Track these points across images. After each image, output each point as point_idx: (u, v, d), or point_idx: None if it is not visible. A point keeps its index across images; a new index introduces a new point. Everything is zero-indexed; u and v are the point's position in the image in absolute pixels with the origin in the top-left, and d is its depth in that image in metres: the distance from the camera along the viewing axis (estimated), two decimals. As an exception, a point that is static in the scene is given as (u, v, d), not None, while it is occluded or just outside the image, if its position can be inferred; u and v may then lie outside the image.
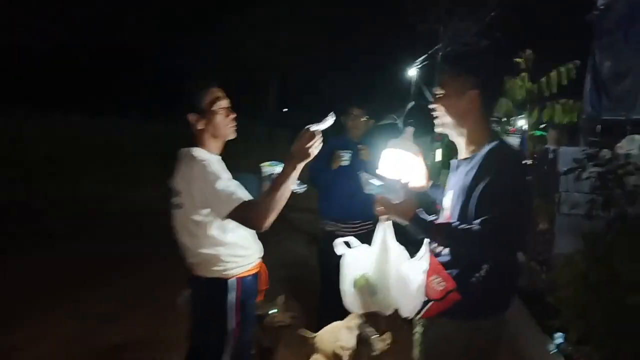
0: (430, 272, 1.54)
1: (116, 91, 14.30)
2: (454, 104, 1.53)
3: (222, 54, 14.29)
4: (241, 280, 1.81)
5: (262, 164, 1.91)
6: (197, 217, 1.69)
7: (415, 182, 1.74)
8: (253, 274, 1.87)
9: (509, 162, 1.46)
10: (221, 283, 1.77)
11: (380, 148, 3.10)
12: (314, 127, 1.61)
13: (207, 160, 1.71)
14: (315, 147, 1.60)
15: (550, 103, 3.33)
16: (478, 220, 1.38)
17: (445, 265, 1.51)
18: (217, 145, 1.83)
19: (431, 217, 1.50)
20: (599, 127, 5.01)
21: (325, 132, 1.69)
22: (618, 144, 4.43)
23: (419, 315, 1.59)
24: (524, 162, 1.55)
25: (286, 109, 25.31)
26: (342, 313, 3.08)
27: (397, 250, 1.73)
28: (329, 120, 1.65)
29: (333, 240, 3.02)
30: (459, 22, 12.17)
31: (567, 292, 2.06)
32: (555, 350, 2.46)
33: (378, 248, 1.79)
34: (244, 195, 1.66)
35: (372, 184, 1.58)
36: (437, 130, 1.65)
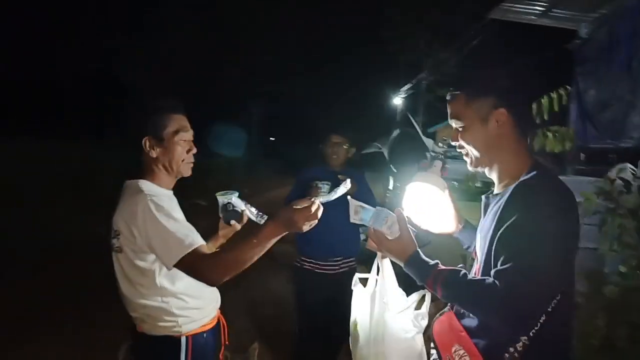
0: (450, 339, 1.22)
1: (94, 115, 14.06)
2: (480, 133, 1.22)
3: (204, 79, 14.19)
4: (195, 337, 1.51)
5: (216, 194, 1.66)
6: (140, 263, 1.42)
7: (442, 225, 1.47)
8: (209, 329, 1.58)
9: (545, 197, 1.10)
10: (170, 342, 1.48)
11: (361, 178, 2.87)
12: (321, 199, 1.33)
13: (157, 195, 1.44)
14: (309, 224, 1.31)
15: (541, 131, 3.17)
16: (493, 271, 1.07)
17: (471, 333, 1.17)
18: (169, 180, 1.56)
19: (433, 262, 1.20)
20: (583, 155, 4.92)
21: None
22: (609, 173, 4.31)
23: None
24: (568, 199, 1.13)
25: (273, 138, 25.23)
26: (319, 358, 2.79)
27: (390, 297, 1.46)
28: (342, 189, 1.38)
29: (310, 280, 2.77)
30: (439, 52, 12.37)
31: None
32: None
33: (370, 291, 1.55)
34: (198, 240, 1.39)
35: (364, 212, 1.33)
36: (471, 169, 1.32)
